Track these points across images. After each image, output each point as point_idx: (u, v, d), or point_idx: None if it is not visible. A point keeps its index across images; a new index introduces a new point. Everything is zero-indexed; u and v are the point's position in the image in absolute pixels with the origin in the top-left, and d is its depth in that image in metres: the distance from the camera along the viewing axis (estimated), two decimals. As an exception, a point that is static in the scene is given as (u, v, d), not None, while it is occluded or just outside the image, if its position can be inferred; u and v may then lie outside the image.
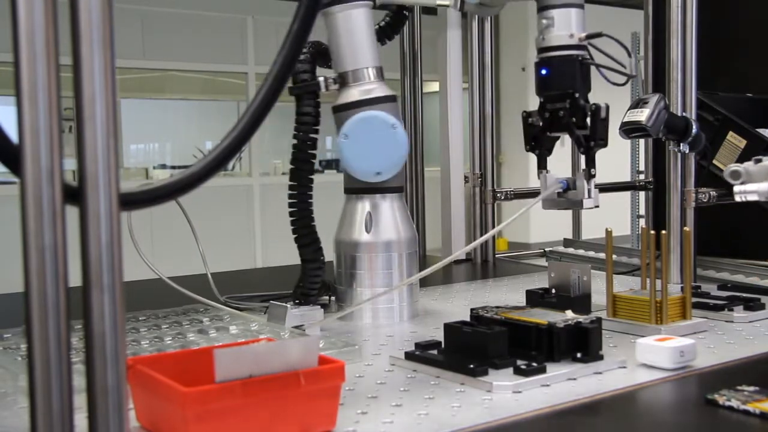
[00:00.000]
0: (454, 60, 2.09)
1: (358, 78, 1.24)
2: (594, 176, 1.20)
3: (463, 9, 1.32)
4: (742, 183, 1.31)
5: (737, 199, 1.36)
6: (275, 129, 7.71)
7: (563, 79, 1.21)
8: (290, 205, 1.25)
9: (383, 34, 1.39)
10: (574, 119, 1.20)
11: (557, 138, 1.27)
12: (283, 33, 0.64)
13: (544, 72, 1.23)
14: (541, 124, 1.24)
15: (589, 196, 1.20)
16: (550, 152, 1.26)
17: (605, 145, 1.19)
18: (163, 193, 0.59)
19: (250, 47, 6.92)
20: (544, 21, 1.23)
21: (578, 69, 1.21)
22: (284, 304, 1.22)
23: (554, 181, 1.24)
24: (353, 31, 1.24)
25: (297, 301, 1.26)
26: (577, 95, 1.20)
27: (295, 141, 1.23)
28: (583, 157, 1.24)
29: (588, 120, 1.19)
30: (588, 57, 1.23)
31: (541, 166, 1.27)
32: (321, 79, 1.23)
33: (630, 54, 1.21)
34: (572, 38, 1.22)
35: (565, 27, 1.22)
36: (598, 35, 1.21)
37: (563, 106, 1.21)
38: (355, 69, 1.24)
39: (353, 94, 1.24)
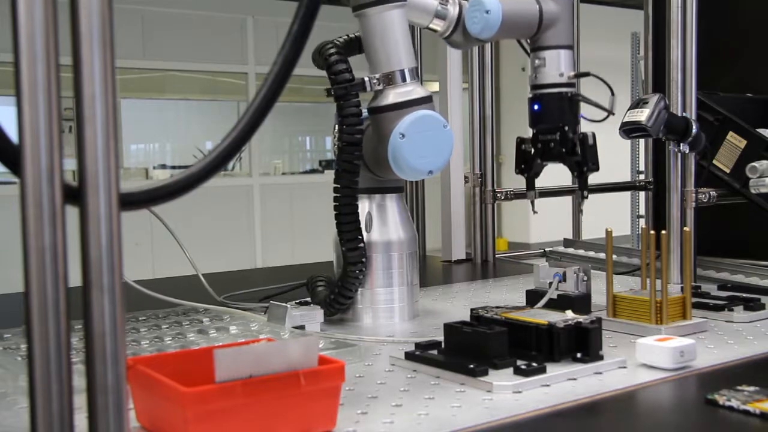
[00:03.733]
0: (454, 60, 2.09)
1: (397, 79, 1.23)
2: (587, 197, 1.32)
3: (450, 38, 1.33)
4: (759, 177, 1.44)
5: (752, 191, 1.47)
6: (275, 129, 7.72)
7: (554, 114, 1.32)
8: (337, 207, 1.23)
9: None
10: (564, 150, 1.31)
11: (545, 165, 1.38)
12: (283, 33, 0.65)
13: (536, 107, 1.34)
14: (532, 151, 1.35)
15: (576, 289, 1.27)
16: (537, 176, 1.38)
17: (597, 169, 1.30)
18: (163, 193, 0.59)
19: (250, 47, 6.92)
20: (537, 61, 1.33)
21: (567, 104, 1.32)
22: (284, 304, 1.22)
23: (548, 273, 1.32)
24: (390, 32, 1.23)
25: (333, 304, 1.26)
26: (566, 128, 1.31)
27: (339, 143, 1.22)
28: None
29: (578, 149, 1.30)
30: (576, 93, 1.33)
31: (530, 187, 1.39)
32: (366, 79, 1.23)
33: (612, 92, 1.34)
34: (562, 77, 1.32)
35: (556, 67, 1.32)
36: (586, 74, 1.33)
37: (554, 138, 1.32)
38: (394, 70, 1.23)
39: (397, 95, 1.23)
